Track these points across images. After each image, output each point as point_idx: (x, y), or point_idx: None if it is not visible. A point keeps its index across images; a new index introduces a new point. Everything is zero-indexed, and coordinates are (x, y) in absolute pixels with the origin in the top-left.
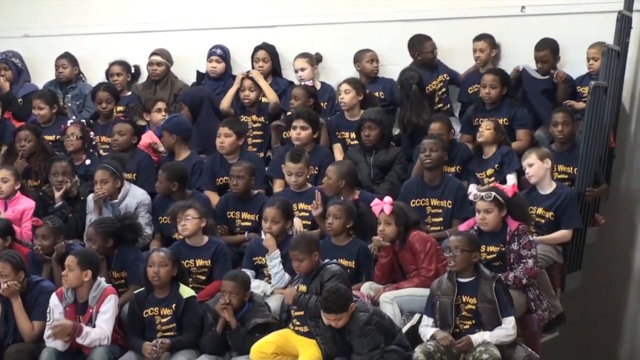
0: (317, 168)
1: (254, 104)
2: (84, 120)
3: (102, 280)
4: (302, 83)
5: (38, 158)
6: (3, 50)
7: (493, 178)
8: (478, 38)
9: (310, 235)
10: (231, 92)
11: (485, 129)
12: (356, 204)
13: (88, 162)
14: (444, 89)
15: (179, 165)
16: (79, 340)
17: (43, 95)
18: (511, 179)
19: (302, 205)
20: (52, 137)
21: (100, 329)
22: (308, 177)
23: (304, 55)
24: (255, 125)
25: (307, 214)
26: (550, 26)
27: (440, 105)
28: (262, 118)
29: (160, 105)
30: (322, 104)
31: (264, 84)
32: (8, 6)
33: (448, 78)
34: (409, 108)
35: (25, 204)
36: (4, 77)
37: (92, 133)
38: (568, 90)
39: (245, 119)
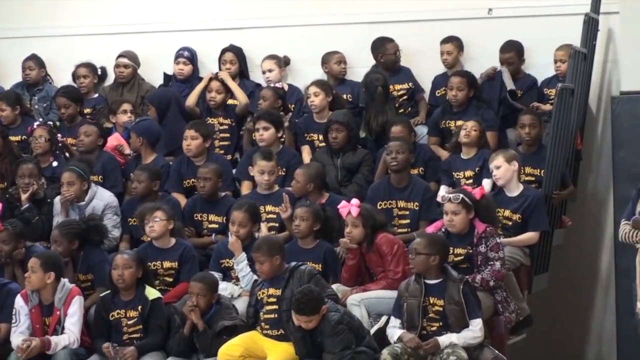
0: (284, 170)
1: (220, 106)
2: (50, 122)
3: (65, 281)
4: (271, 85)
5: (5, 160)
6: None
7: (471, 181)
8: (445, 40)
9: (273, 238)
10: (197, 90)
11: (472, 130)
12: (323, 207)
13: (55, 164)
14: (405, 97)
15: (156, 165)
16: (49, 353)
17: (5, 96)
18: (487, 183)
19: (269, 208)
20: (17, 138)
21: (69, 333)
22: (277, 178)
23: (271, 57)
24: (222, 128)
25: (275, 216)
26: (517, 28)
27: (402, 110)
28: (229, 120)
29: (126, 106)
30: (289, 105)
31: (234, 85)
32: None
33: (413, 87)
34: (373, 110)
35: None
36: None
37: (59, 135)
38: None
39: (212, 121)
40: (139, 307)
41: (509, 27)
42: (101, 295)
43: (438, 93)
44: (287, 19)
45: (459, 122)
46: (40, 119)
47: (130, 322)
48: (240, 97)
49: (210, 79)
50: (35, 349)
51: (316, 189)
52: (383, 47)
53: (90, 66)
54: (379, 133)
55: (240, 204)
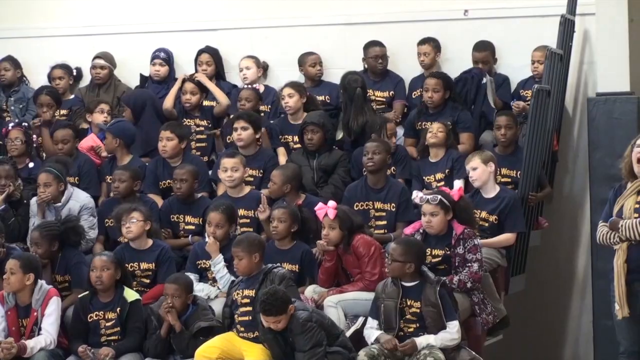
0: (261, 171)
1: (195, 108)
2: (26, 124)
3: (43, 282)
4: (250, 86)
5: None
6: None
7: (443, 183)
8: (422, 42)
9: (255, 236)
10: (172, 92)
11: (438, 131)
12: (300, 208)
13: (31, 165)
14: (383, 105)
15: (136, 165)
16: (25, 356)
17: None
18: (458, 184)
19: (242, 212)
20: None
21: (45, 334)
22: (244, 178)
23: (250, 56)
24: (198, 129)
25: (249, 221)
26: (493, 30)
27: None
28: (206, 122)
29: (103, 106)
30: (264, 107)
31: (212, 86)
32: None
33: (393, 95)
34: (352, 111)
35: None
36: None
37: (34, 136)
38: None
39: (189, 122)
40: (118, 309)
41: (485, 29)
42: (79, 296)
43: (414, 95)
44: (264, 21)
45: (433, 124)
46: (16, 120)
47: (108, 324)
48: (221, 99)
49: (184, 81)
50: (11, 355)
51: (293, 190)
52: (366, 50)
53: (65, 67)
54: (358, 134)
55: (217, 205)
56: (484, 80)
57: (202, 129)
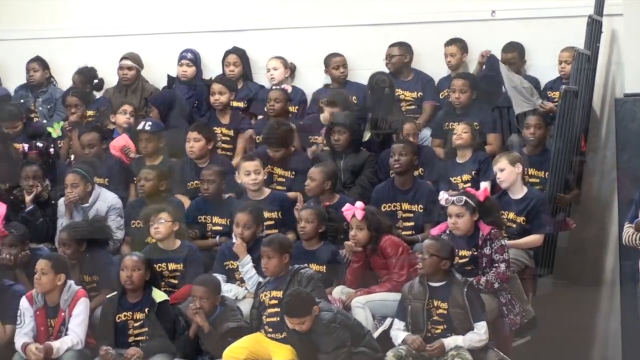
0: (293, 172)
1: (226, 107)
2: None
3: (71, 283)
4: (278, 87)
5: (4, 163)
6: None
7: (469, 184)
8: (449, 42)
9: (284, 237)
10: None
11: (463, 132)
12: (327, 209)
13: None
14: (413, 106)
15: (163, 167)
16: (53, 357)
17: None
18: (484, 185)
19: (265, 214)
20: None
21: (73, 335)
22: (264, 177)
23: (278, 57)
24: (224, 138)
25: (272, 222)
26: (521, 30)
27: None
28: (232, 131)
29: (126, 107)
30: (292, 108)
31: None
32: None
33: (422, 96)
34: (380, 112)
35: (1, 209)
36: None
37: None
38: None
39: (215, 130)
40: (146, 310)
41: (512, 29)
42: (108, 296)
43: (441, 95)
44: (291, 21)
45: (458, 125)
46: (44, 121)
47: (136, 325)
48: None
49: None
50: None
51: (331, 189)
52: (388, 50)
53: (85, 73)
54: (386, 135)
55: (245, 206)
56: (490, 53)
57: (227, 138)
